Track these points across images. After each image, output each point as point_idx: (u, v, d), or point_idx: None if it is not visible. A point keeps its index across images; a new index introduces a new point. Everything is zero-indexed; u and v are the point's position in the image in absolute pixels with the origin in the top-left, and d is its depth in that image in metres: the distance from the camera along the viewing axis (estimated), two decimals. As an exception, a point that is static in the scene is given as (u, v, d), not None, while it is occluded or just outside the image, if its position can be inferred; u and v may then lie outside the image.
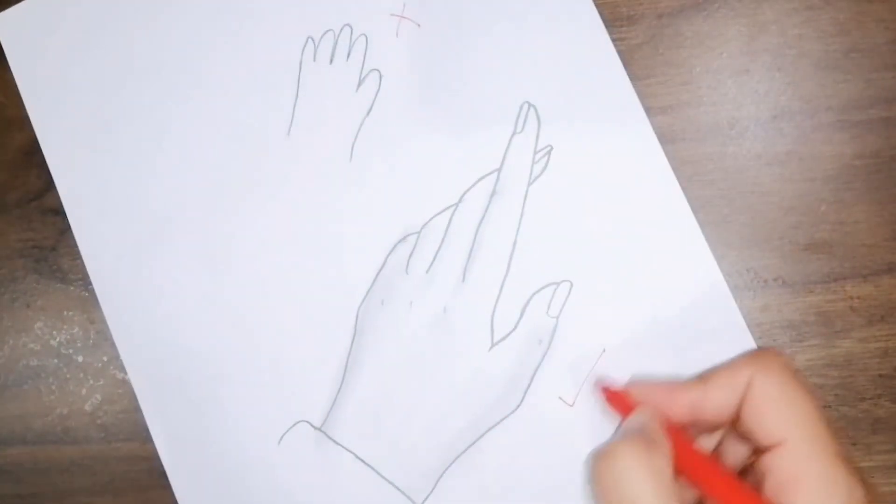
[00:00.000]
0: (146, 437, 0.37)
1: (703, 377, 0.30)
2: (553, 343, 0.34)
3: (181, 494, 0.37)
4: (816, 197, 0.34)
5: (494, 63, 0.35)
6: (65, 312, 0.39)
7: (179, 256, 0.37)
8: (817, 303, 0.33)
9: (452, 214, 0.35)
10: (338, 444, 0.35)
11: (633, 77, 0.34)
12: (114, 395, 0.38)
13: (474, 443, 0.34)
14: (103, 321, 0.38)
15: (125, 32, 0.39)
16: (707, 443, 0.31)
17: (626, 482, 0.27)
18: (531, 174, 0.35)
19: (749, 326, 0.33)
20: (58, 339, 0.39)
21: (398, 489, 0.35)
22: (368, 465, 0.35)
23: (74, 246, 0.39)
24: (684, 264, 0.34)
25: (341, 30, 0.37)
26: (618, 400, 0.32)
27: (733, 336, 0.33)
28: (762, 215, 0.34)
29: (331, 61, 0.37)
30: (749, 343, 0.33)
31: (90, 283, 0.38)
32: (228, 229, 0.37)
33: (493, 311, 0.35)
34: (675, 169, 0.34)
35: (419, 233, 0.36)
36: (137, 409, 0.37)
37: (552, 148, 0.35)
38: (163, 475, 0.37)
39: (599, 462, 0.28)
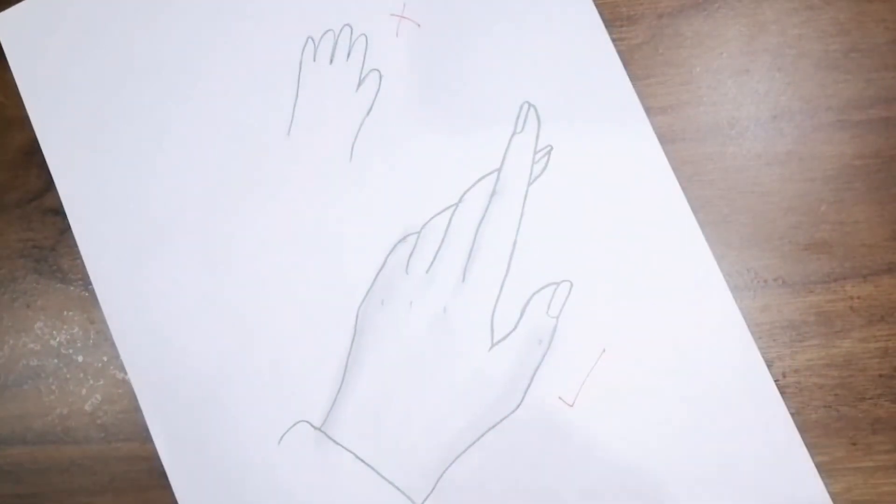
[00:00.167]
0: (146, 437, 0.37)
1: None
2: (553, 343, 0.34)
3: (181, 494, 0.37)
4: (816, 197, 0.34)
5: (494, 63, 0.35)
6: (65, 312, 0.39)
7: (179, 256, 0.37)
8: (817, 303, 0.33)
9: (452, 214, 0.35)
10: (338, 444, 0.35)
11: (633, 77, 0.34)
12: (114, 395, 0.38)
13: (474, 443, 0.35)
14: (103, 321, 0.38)
15: (125, 32, 0.39)
16: None
17: None
18: (531, 174, 0.35)
19: (749, 326, 0.33)
20: (58, 339, 0.39)
21: (398, 489, 0.35)
22: (368, 465, 0.35)
23: (74, 246, 0.39)
24: (684, 264, 0.34)
25: (341, 30, 0.37)
26: None
27: (733, 336, 0.33)
28: (762, 215, 0.34)
29: (331, 61, 0.37)
30: (749, 343, 0.33)
31: (90, 283, 0.38)
32: (228, 229, 0.37)
33: (493, 311, 0.35)
34: (675, 169, 0.34)
35: (419, 233, 0.36)
36: (137, 409, 0.37)
37: (552, 148, 0.35)
38: (163, 475, 0.37)
39: None
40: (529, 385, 0.34)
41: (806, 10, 0.34)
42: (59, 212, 0.39)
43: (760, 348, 0.33)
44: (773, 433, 0.33)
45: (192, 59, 0.38)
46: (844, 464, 0.33)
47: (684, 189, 0.34)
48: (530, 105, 0.35)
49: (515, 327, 0.34)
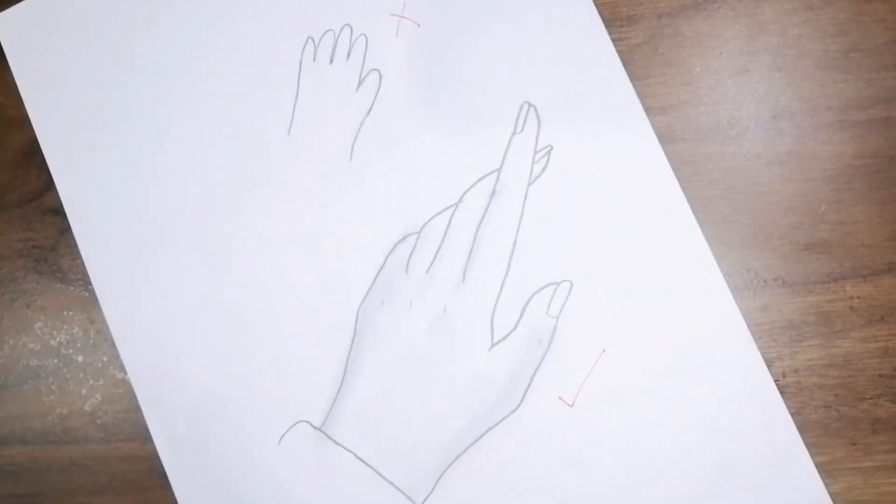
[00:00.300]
0: (146, 437, 0.37)
1: None
2: (553, 343, 0.34)
3: (181, 494, 0.37)
4: (816, 197, 0.34)
5: (494, 63, 0.35)
6: (65, 312, 0.39)
7: (179, 256, 0.37)
8: (817, 303, 0.33)
9: (452, 214, 0.35)
10: (338, 444, 0.35)
11: (633, 77, 0.34)
12: (114, 395, 0.38)
13: (474, 443, 0.34)
14: (103, 321, 0.38)
15: (125, 32, 0.39)
16: None
17: None
18: (531, 174, 0.35)
19: (749, 326, 0.33)
20: (58, 339, 0.39)
21: (398, 489, 0.35)
22: (368, 465, 0.35)
23: (74, 246, 0.39)
24: (684, 264, 0.34)
25: (341, 30, 0.37)
26: None
27: (733, 336, 0.33)
28: (762, 215, 0.34)
29: (331, 61, 0.37)
30: (749, 343, 0.33)
31: (90, 283, 0.38)
32: (228, 229, 0.37)
33: (493, 312, 0.35)
34: (675, 169, 0.34)
35: (419, 233, 0.36)
36: (137, 409, 0.37)
37: (552, 148, 0.35)
38: (163, 475, 0.37)
39: None
40: (529, 385, 0.34)
41: (806, 10, 0.34)
42: (59, 212, 0.39)
43: (760, 348, 0.33)
44: (773, 433, 0.33)
45: (192, 59, 0.38)
46: (844, 464, 0.33)
47: (684, 189, 0.34)
48: (530, 105, 0.35)
49: (515, 327, 0.34)
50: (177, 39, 0.38)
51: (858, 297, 0.33)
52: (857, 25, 0.34)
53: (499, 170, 0.35)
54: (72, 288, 0.39)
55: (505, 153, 0.35)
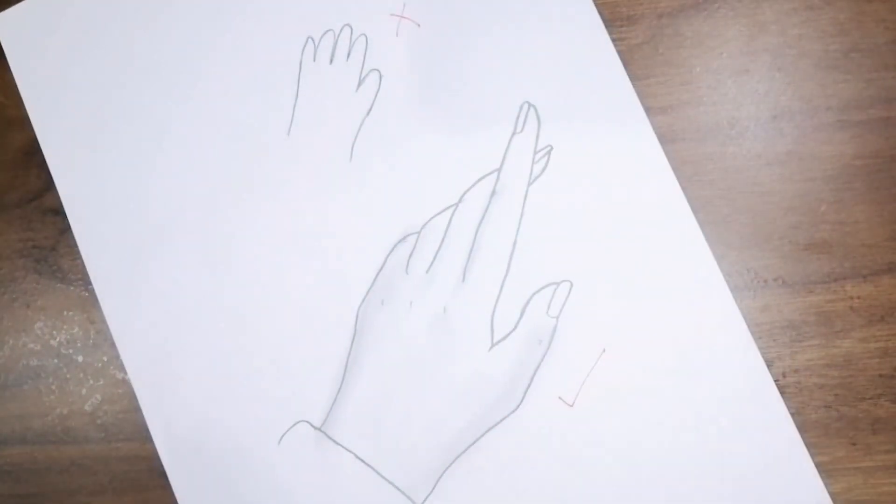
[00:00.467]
0: (146, 437, 0.37)
1: None
2: (553, 343, 0.34)
3: (181, 494, 0.37)
4: (816, 197, 0.34)
5: (494, 63, 0.35)
6: (65, 312, 0.39)
7: (179, 256, 0.37)
8: (817, 303, 0.33)
9: (452, 214, 0.35)
10: (338, 444, 0.35)
11: (633, 77, 0.34)
12: (114, 395, 0.38)
13: (474, 443, 0.34)
14: (103, 321, 0.38)
15: (125, 32, 0.39)
16: None
17: None
18: (531, 174, 0.35)
19: (749, 326, 0.33)
20: (58, 339, 0.39)
21: (398, 489, 0.35)
22: (368, 465, 0.35)
23: (74, 246, 0.39)
24: (684, 264, 0.34)
25: (341, 30, 0.37)
26: None
27: (733, 336, 0.33)
28: (762, 215, 0.34)
29: (331, 61, 0.37)
30: (749, 343, 0.33)
31: (90, 283, 0.38)
32: (228, 229, 0.37)
33: (493, 311, 0.35)
34: (675, 169, 0.34)
35: (419, 233, 0.36)
36: (137, 409, 0.37)
37: (552, 148, 0.35)
38: (163, 475, 0.37)
39: None
40: (529, 385, 0.34)
41: (806, 10, 0.34)
42: (59, 212, 0.39)
43: (760, 348, 0.33)
44: (773, 433, 0.33)
45: (192, 59, 0.38)
46: (844, 464, 0.33)
47: (684, 189, 0.34)
48: (530, 105, 0.35)
49: (515, 327, 0.34)
50: (177, 39, 0.38)
51: (858, 297, 0.33)
52: (857, 25, 0.34)
53: (499, 170, 0.35)
54: (72, 288, 0.39)
55: (505, 153, 0.35)
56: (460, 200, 0.35)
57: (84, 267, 0.38)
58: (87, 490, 0.38)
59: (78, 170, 0.39)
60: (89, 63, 0.39)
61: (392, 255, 0.36)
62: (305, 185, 0.37)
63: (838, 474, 0.33)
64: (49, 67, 0.39)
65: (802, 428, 0.33)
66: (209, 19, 0.38)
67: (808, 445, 0.32)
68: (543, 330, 0.34)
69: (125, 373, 0.38)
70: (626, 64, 0.35)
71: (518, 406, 0.34)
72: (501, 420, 0.34)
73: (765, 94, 0.34)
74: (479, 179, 0.35)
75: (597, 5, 0.35)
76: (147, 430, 0.37)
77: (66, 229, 0.39)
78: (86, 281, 0.38)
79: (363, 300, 0.36)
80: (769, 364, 0.33)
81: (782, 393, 0.33)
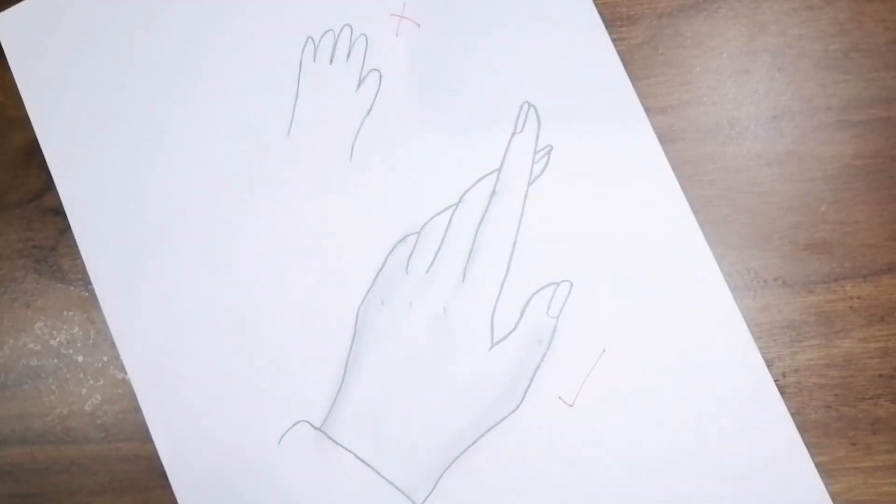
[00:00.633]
0: (146, 437, 0.37)
1: None
2: (553, 343, 0.34)
3: (181, 494, 0.37)
4: (816, 197, 0.34)
5: (494, 63, 0.35)
6: (65, 312, 0.39)
7: (179, 256, 0.37)
8: (817, 303, 0.33)
9: (452, 214, 0.35)
10: (338, 444, 0.35)
11: (633, 77, 0.34)
12: (114, 395, 0.38)
13: (474, 443, 0.34)
14: (103, 321, 0.38)
15: (125, 32, 0.39)
16: None
17: None
18: (531, 174, 0.35)
19: (749, 326, 0.33)
20: (58, 339, 0.39)
21: (398, 489, 0.35)
22: (368, 465, 0.35)
23: (74, 246, 0.39)
24: (684, 264, 0.34)
25: (341, 30, 0.37)
26: None
27: (733, 336, 0.33)
28: (762, 215, 0.34)
29: (331, 61, 0.37)
30: (749, 343, 0.33)
31: (90, 283, 0.38)
32: (228, 229, 0.37)
33: (493, 311, 0.35)
34: (675, 169, 0.34)
35: (419, 233, 0.36)
36: (137, 409, 0.37)
37: (552, 148, 0.35)
38: (163, 475, 0.37)
39: None
40: (529, 385, 0.34)
41: (806, 10, 0.34)
42: (59, 212, 0.39)
43: (760, 348, 0.33)
44: (773, 433, 0.33)
45: (192, 59, 0.38)
46: (844, 464, 0.33)
47: (684, 189, 0.34)
48: (530, 105, 0.35)
49: (515, 327, 0.34)
50: (177, 39, 0.38)
51: (858, 297, 0.33)
52: (857, 25, 0.34)
53: (499, 170, 0.35)
54: (72, 288, 0.39)
55: (505, 153, 0.35)
56: (460, 200, 0.35)
57: (84, 267, 0.38)
58: (87, 490, 0.38)
59: (78, 170, 0.39)
60: (89, 63, 0.39)
61: (392, 255, 0.36)
62: (305, 185, 0.37)
63: (838, 474, 0.33)
64: (49, 67, 0.39)
65: (802, 428, 0.33)
66: (209, 19, 0.38)
67: (808, 445, 0.32)
68: (543, 330, 0.34)
69: (125, 373, 0.38)
70: (626, 64, 0.35)
71: (518, 406, 0.34)
72: (501, 420, 0.34)
73: (765, 94, 0.34)
74: (479, 179, 0.35)
75: (597, 5, 0.35)
76: (147, 430, 0.37)
77: (66, 229, 0.39)
78: (86, 281, 0.38)
79: (363, 300, 0.36)
80: (769, 364, 0.33)
81: (782, 393, 0.33)
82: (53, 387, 0.39)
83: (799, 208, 0.34)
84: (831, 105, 0.34)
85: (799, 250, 0.34)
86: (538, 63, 0.35)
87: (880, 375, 0.33)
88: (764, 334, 0.34)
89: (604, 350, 0.34)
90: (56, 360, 0.39)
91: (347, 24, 0.37)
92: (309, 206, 0.37)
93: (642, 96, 0.34)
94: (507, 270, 0.35)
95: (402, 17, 0.36)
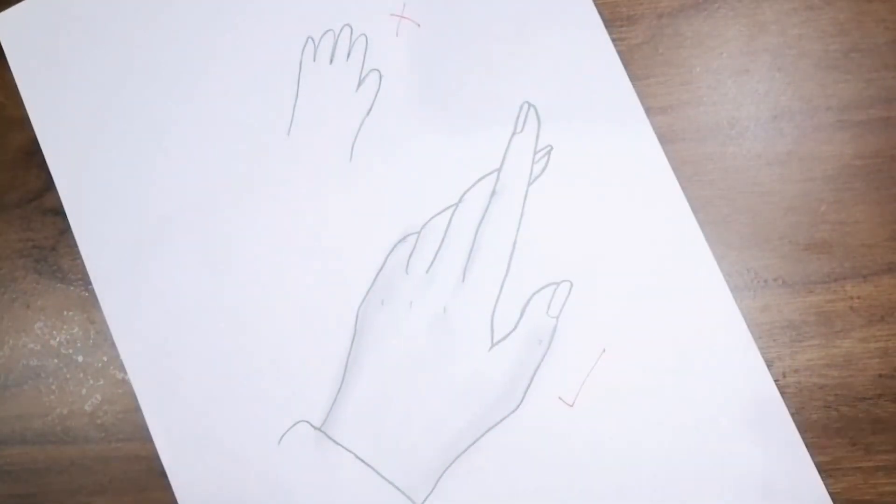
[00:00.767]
0: (146, 437, 0.37)
1: None
2: (553, 343, 0.34)
3: (181, 494, 0.37)
4: (816, 197, 0.34)
5: (494, 63, 0.35)
6: (65, 312, 0.39)
7: (179, 256, 0.37)
8: (817, 303, 0.33)
9: (452, 214, 0.35)
10: (338, 444, 0.35)
11: (633, 77, 0.34)
12: (114, 395, 0.38)
13: (474, 443, 0.34)
14: (103, 321, 0.38)
15: (125, 32, 0.39)
16: None
17: None
18: (531, 174, 0.35)
19: (749, 326, 0.33)
20: (58, 339, 0.39)
21: (398, 489, 0.35)
22: (368, 465, 0.35)
23: (74, 246, 0.39)
24: (684, 264, 0.34)
25: (341, 30, 0.37)
26: None
27: (733, 336, 0.33)
28: (762, 215, 0.34)
29: (331, 61, 0.37)
30: (749, 343, 0.33)
31: (90, 283, 0.38)
32: (228, 229, 0.37)
33: (493, 312, 0.35)
34: (675, 169, 0.34)
35: (419, 233, 0.36)
36: (137, 409, 0.37)
37: (552, 148, 0.35)
38: (163, 475, 0.37)
39: None
40: (529, 385, 0.34)
41: (806, 10, 0.34)
42: (59, 212, 0.39)
43: (760, 348, 0.33)
44: (773, 433, 0.33)
45: (192, 59, 0.38)
46: (844, 464, 0.33)
47: (684, 189, 0.34)
48: (530, 105, 0.35)
49: (515, 327, 0.34)
50: (177, 39, 0.38)
51: (858, 297, 0.33)
52: (857, 25, 0.34)
53: (499, 170, 0.35)
54: (72, 288, 0.39)
55: (505, 153, 0.35)
56: (460, 200, 0.35)
57: (84, 267, 0.38)
58: (87, 490, 0.38)
59: (78, 170, 0.39)
60: (89, 63, 0.39)
61: (392, 255, 0.36)
62: (305, 185, 0.37)
63: (838, 474, 0.33)
64: (49, 67, 0.39)
65: (802, 428, 0.33)
66: (209, 19, 0.38)
67: (808, 445, 0.32)
68: (543, 330, 0.34)
69: (125, 373, 0.38)
70: (626, 64, 0.35)
71: (518, 406, 0.34)
72: (501, 420, 0.34)
73: (765, 94, 0.34)
74: (479, 179, 0.35)
75: (597, 5, 0.35)
76: (147, 430, 0.37)
77: (66, 229, 0.39)
78: (86, 281, 0.38)
79: (363, 300, 0.36)
80: (769, 364, 0.33)
81: (782, 393, 0.33)
82: (53, 387, 0.39)
83: (799, 208, 0.34)
84: (831, 105, 0.34)
85: (799, 250, 0.34)
86: (538, 63, 0.35)
87: (880, 375, 0.33)
88: (764, 334, 0.34)
89: (604, 350, 0.34)
90: (56, 360, 0.39)
91: (347, 24, 0.37)
92: (309, 206, 0.37)
93: (642, 96, 0.34)
94: (507, 270, 0.35)
95: (402, 17, 0.36)
